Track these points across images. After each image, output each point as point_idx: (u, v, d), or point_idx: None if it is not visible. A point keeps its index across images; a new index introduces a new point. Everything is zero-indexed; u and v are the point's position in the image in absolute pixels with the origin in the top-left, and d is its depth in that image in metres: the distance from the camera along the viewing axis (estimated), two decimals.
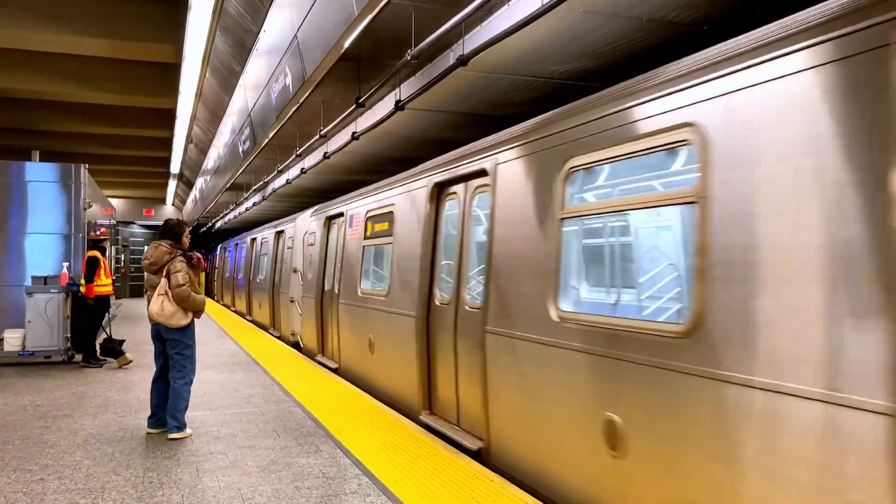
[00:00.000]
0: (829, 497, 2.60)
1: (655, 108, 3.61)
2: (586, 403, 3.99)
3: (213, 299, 27.23)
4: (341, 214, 9.76)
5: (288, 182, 14.80)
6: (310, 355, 10.68)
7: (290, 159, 12.91)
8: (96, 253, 10.04)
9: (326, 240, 10.52)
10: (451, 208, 6.39)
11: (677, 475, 3.30)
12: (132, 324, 15.52)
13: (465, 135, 9.45)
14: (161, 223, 6.47)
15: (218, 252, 28.25)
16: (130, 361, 9.72)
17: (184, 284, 5.74)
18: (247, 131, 11.95)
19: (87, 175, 11.99)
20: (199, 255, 6.18)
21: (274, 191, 16.73)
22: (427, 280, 6.44)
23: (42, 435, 5.85)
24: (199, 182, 23.18)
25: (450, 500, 4.24)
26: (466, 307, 5.72)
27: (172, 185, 27.14)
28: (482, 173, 5.58)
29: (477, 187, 5.76)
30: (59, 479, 4.65)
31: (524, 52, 6.31)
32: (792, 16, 3.02)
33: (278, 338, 13.56)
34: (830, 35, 2.73)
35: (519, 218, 4.86)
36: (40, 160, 12.14)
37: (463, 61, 6.00)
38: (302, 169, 13.22)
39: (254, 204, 19.85)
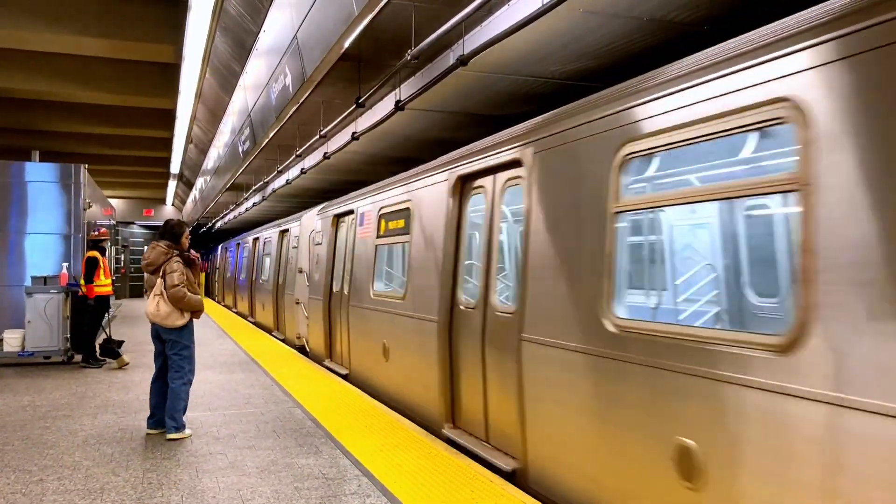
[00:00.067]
0: None
1: (737, 82, 3.11)
2: (652, 425, 3.45)
3: (214, 300, 27.16)
4: (351, 212, 9.25)
5: (288, 182, 14.79)
6: (317, 360, 10.29)
7: (290, 159, 12.91)
8: (95, 253, 10.03)
9: (335, 239, 10.03)
10: (476, 203, 5.91)
11: None
12: (132, 324, 15.51)
13: (465, 135, 9.43)
14: (160, 223, 6.46)
15: (219, 252, 28.13)
16: (127, 364, 9.70)
17: (178, 285, 5.73)
18: (247, 131, 11.94)
19: (86, 175, 11.98)
20: (195, 254, 6.15)
21: (274, 191, 16.73)
22: (450, 282, 5.92)
23: (41, 435, 5.84)
24: (199, 182, 23.17)
25: (450, 500, 4.23)
26: (496, 312, 5.20)
27: (172, 185, 27.14)
28: (515, 164, 5.06)
29: (508, 179, 5.24)
30: (59, 480, 4.65)
31: (524, 52, 6.31)
32: None
33: (282, 341, 13.20)
34: None
35: (561, 213, 4.35)
36: (40, 160, 12.14)
37: (463, 61, 5.99)
38: (302, 169, 13.22)
39: (254, 204, 19.84)
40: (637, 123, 3.72)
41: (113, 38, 10.77)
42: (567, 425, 4.17)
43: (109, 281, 10.43)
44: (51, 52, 11.96)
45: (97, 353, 9.96)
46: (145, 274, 6.08)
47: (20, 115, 15.39)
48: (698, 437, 3.16)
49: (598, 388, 3.89)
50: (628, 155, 3.78)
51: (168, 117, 15.47)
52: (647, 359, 3.50)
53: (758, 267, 5.40)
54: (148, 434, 5.87)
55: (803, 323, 2.69)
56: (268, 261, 16.05)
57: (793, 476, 2.69)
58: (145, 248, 6.15)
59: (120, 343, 9.95)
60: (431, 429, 6.03)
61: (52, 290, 9.99)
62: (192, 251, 6.14)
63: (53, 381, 8.58)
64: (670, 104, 3.50)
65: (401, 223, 7.27)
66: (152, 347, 6.16)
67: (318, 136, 10.15)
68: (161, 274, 5.84)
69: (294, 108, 8.97)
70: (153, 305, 5.81)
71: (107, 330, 10.29)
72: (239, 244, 21.52)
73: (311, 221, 11.86)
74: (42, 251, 11.43)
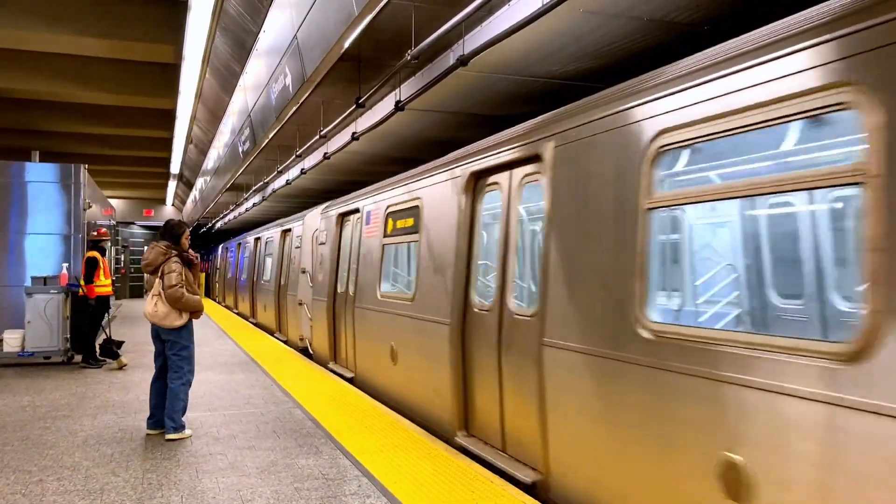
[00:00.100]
0: None
1: (789, 66, 2.85)
2: (693, 439, 3.19)
3: (215, 301, 27.09)
4: (357, 211, 8.99)
5: (288, 182, 14.78)
6: (321, 362, 10.08)
7: (290, 160, 12.90)
8: (95, 253, 10.03)
9: (339, 238, 9.81)
10: (491, 201, 5.66)
11: None
12: (132, 324, 15.51)
13: (465, 135, 9.43)
14: (160, 224, 6.46)
15: (219, 252, 28.04)
16: (125, 365, 9.67)
17: (176, 285, 5.72)
18: (247, 132, 11.93)
19: (86, 175, 11.98)
20: (193, 254, 6.13)
21: (274, 191, 16.72)
22: (462, 283, 5.66)
23: (41, 436, 5.83)
24: (199, 182, 23.16)
25: (450, 501, 4.23)
26: (514, 315, 4.94)
27: (172, 185, 27.13)
28: (533, 159, 4.79)
29: (526, 175, 4.97)
30: (59, 481, 4.64)
31: (524, 53, 6.30)
32: None
33: (285, 342, 13.02)
34: None
35: (586, 210, 4.05)
36: (40, 160, 12.13)
37: (463, 61, 5.99)
38: (302, 169, 13.21)
39: (254, 204, 19.84)
40: (674, 113, 3.43)
41: (113, 39, 10.76)
42: (595, 437, 3.88)
43: (109, 281, 10.42)
44: (51, 52, 11.96)
45: (97, 354, 9.95)
46: (145, 274, 6.07)
47: (20, 115, 15.38)
48: (747, 453, 2.90)
49: (629, 397, 3.61)
50: (663, 147, 3.49)
51: (168, 117, 15.46)
52: (689, 367, 3.22)
53: (811, 267, 4.97)
54: (148, 434, 5.87)
55: (872, 329, 2.46)
56: (269, 261, 15.83)
57: (856, 498, 2.45)
58: (145, 248, 6.15)
59: (120, 344, 9.95)
60: (442, 436, 5.80)
61: (51, 291, 9.98)
62: (191, 251, 6.13)
63: (53, 382, 8.57)
64: (713, 90, 3.23)
65: (409, 222, 6.99)
66: (152, 348, 6.15)
67: (318, 137, 10.14)
68: (159, 274, 5.84)
69: (294, 109, 8.96)
70: (151, 305, 5.82)
71: (106, 330, 10.29)
72: (240, 244, 21.34)
73: (315, 221, 11.65)
74: (42, 251, 11.42)
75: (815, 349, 2.67)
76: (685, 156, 4.03)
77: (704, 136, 3.27)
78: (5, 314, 10.84)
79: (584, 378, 4.00)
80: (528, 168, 4.92)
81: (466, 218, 5.74)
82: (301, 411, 6.77)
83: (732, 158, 4.43)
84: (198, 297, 5.97)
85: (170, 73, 12.62)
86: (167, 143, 18.46)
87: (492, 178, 5.51)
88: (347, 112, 8.58)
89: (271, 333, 14.66)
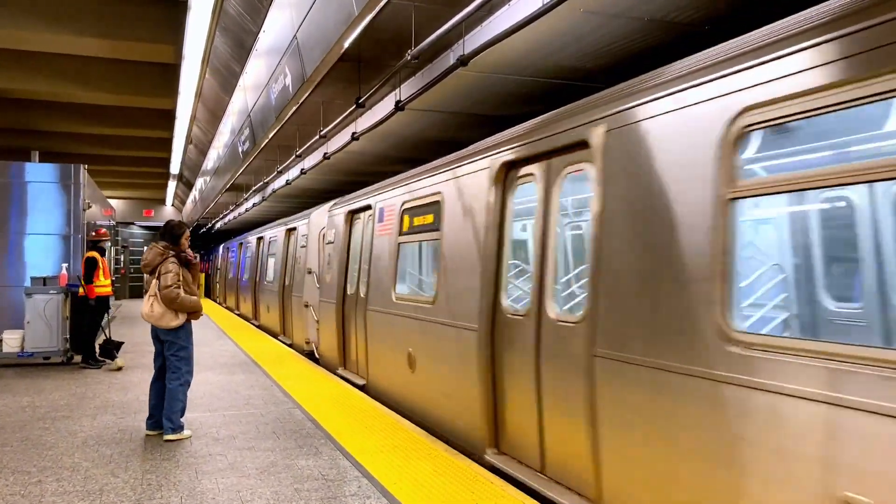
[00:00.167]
0: None
1: None
2: (804, 472, 2.67)
3: (216, 302, 26.99)
4: (368, 207, 8.45)
5: (288, 183, 14.78)
6: (329, 368, 9.61)
7: (290, 160, 12.90)
8: (95, 254, 10.02)
9: (349, 237, 9.27)
10: (524, 194, 5.16)
11: None
12: (132, 324, 15.49)
13: (465, 135, 9.43)
14: (160, 224, 6.46)
15: (220, 252, 27.91)
16: (121, 367, 9.63)
17: (171, 285, 5.71)
18: (246, 132, 11.93)
19: (86, 176, 11.98)
20: (192, 254, 6.12)
21: (274, 191, 16.72)
22: (491, 284, 5.15)
23: (41, 436, 5.83)
24: (199, 183, 23.16)
25: (450, 501, 4.22)
26: (555, 321, 4.40)
27: (172, 185, 27.12)
28: (578, 146, 4.25)
29: (568, 165, 4.43)
30: (58, 482, 4.63)
31: (525, 53, 6.30)
32: None
33: (289, 345, 12.50)
34: None
35: (647, 202, 3.56)
36: (39, 161, 12.13)
37: (463, 61, 5.98)
38: (302, 169, 13.21)
39: (253, 205, 19.84)
40: (759, 88, 2.95)
41: (113, 39, 10.76)
42: (663, 465, 3.36)
43: (109, 281, 10.41)
44: (50, 52, 11.95)
45: (97, 354, 9.95)
46: (145, 275, 6.08)
47: (20, 115, 15.38)
48: (879, 496, 2.38)
49: (710, 421, 3.07)
50: (748, 127, 3.01)
51: (168, 117, 15.45)
52: (793, 387, 2.70)
53: None
54: (147, 435, 5.86)
55: None
56: (273, 261, 15.36)
57: None
58: (145, 248, 6.14)
59: (119, 345, 9.93)
60: (467, 450, 5.36)
61: (51, 291, 9.98)
62: (190, 252, 6.11)
63: (53, 382, 8.56)
64: (818, 57, 2.73)
65: (429, 219, 6.46)
66: (152, 348, 6.15)
67: (318, 137, 10.14)
68: (156, 275, 5.84)
69: (294, 109, 8.96)
70: (147, 306, 5.82)
71: (106, 331, 10.28)
72: (241, 244, 21.03)
73: (322, 218, 11.21)
74: (42, 252, 11.42)
75: None
76: (780, 136, 3.49)
77: (801, 112, 2.78)
78: (5, 314, 10.84)
79: (648, 397, 3.46)
80: (572, 156, 4.37)
81: (496, 213, 5.19)
82: (301, 412, 6.76)
83: (840, 139, 3.81)
84: (195, 297, 5.95)
85: (170, 73, 12.61)
86: (167, 144, 18.45)
87: (526, 169, 4.93)
88: (347, 112, 8.58)
89: (275, 336, 14.22)
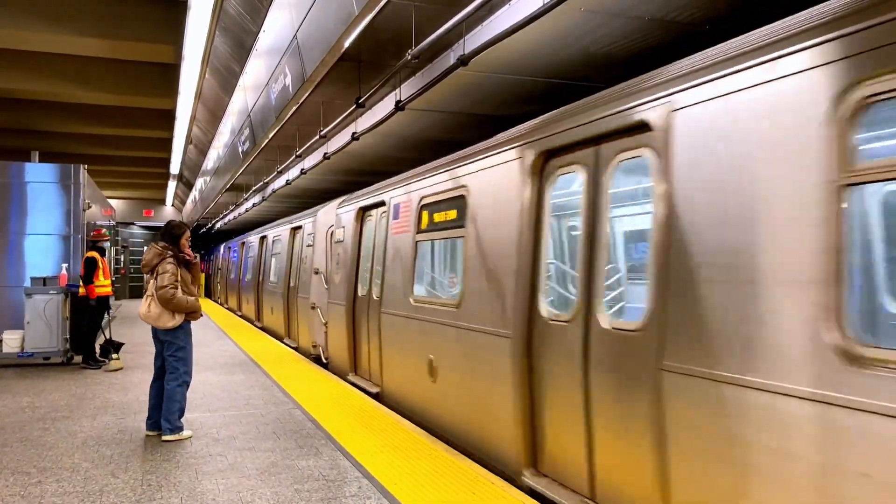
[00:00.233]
0: None
1: None
2: None
3: (217, 303, 26.89)
4: (382, 203, 7.97)
5: (288, 183, 14.78)
6: (338, 373, 9.14)
7: (290, 160, 12.89)
8: (94, 254, 10.02)
9: (360, 235, 8.80)
10: (566, 185, 4.71)
11: None
12: (132, 325, 15.49)
13: (466, 135, 9.42)
14: (160, 224, 6.45)
15: (222, 252, 27.75)
16: (119, 368, 9.59)
17: (167, 286, 5.70)
18: (246, 132, 11.92)
19: (86, 176, 11.97)
20: (191, 254, 6.09)
21: (274, 191, 16.72)
22: (527, 286, 4.66)
23: (40, 437, 5.82)
24: (199, 183, 23.15)
25: (451, 502, 4.21)
26: (607, 327, 3.91)
27: (172, 185, 27.12)
28: (635, 129, 3.77)
29: (622, 151, 3.92)
30: (58, 482, 4.62)
31: (525, 52, 6.29)
32: None
33: (295, 349, 12.06)
34: None
35: (728, 190, 3.06)
36: (39, 161, 12.12)
37: (463, 61, 5.97)
38: (302, 170, 13.20)
39: (253, 205, 19.83)
40: (891, 48, 2.46)
41: (113, 39, 10.76)
42: (749, 499, 2.88)
43: (109, 282, 10.41)
44: (50, 52, 11.95)
45: (97, 354, 9.94)
46: (145, 275, 6.08)
47: (20, 115, 15.38)
48: None
49: (817, 451, 2.61)
50: (870, 98, 2.54)
51: (168, 118, 15.45)
52: None
53: None
54: (147, 435, 5.85)
55: None
56: (277, 261, 14.91)
57: None
58: (145, 248, 6.13)
59: (119, 345, 9.92)
60: (498, 470, 4.90)
61: (51, 291, 9.97)
62: (189, 252, 6.09)
63: (53, 383, 8.56)
64: None
65: (451, 214, 6.00)
66: (151, 348, 6.14)
67: (318, 137, 10.13)
68: (154, 275, 5.84)
69: (294, 109, 8.95)
70: (145, 306, 5.83)
71: (105, 332, 10.26)
72: (243, 243, 20.71)
73: (329, 216, 10.75)
74: (41, 252, 11.41)
75: None
76: None
77: None
78: (5, 315, 10.84)
79: (736, 421, 2.94)
80: (626, 141, 3.88)
81: (532, 207, 4.69)
82: (301, 412, 6.75)
83: None
84: (193, 298, 5.92)
85: (169, 74, 12.61)
86: (167, 144, 18.45)
87: (568, 158, 4.42)
88: (347, 112, 8.57)
89: (280, 339, 13.71)
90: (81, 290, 9.97)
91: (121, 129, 16.82)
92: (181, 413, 5.83)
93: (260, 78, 9.94)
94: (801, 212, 2.75)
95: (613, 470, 3.83)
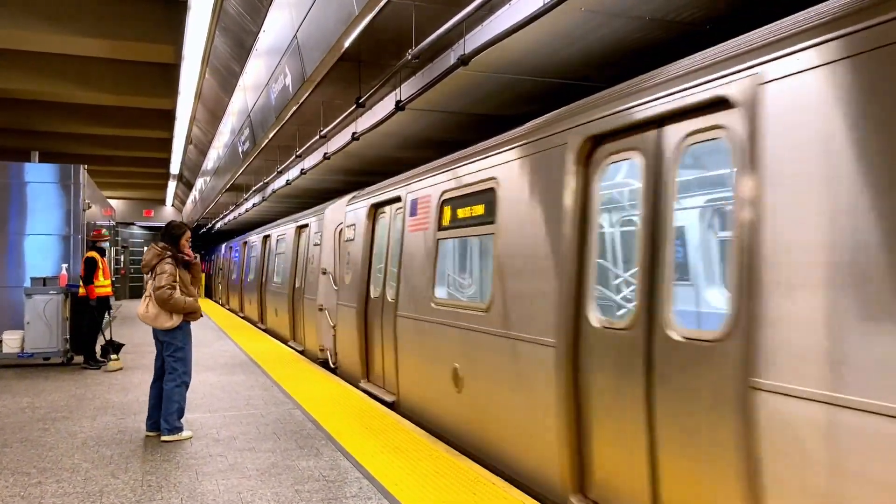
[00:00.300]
0: None
1: None
2: None
3: (218, 303, 26.77)
4: (397, 199, 7.50)
5: (288, 183, 14.78)
6: (349, 379, 8.69)
7: (290, 160, 12.89)
8: (94, 254, 10.02)
9: (372, 233, 8.36)
10: (618, 175, 4.32)
11: None
12: (132, 325, 15.48)
13: (466, 135, 9.42)
14: (160, 224, 6.45)
15: (223, 252, 27.62)
16: (119, 369, 9.57)
17: (164, 286, 5.69)
18: (246, 132, 11.92)
19: (86, 176, 11.97)
20: (191, 255, 6.07)
21: (274, 191, 16.72)
22: (572, 289, 4.16)
23: (40, 437, 5.81)
24: (199, 183, 23.16)
25: (452, 502, 4.20)
26: (675, 336, 3.39)
27: (172, 186, 27.12)
28: (710, 107, 3.28)
29: (692, 133, 3.41)
30: (58, 483, 4.62)
31: (525, 52, 6.29)
32: None
33: (301, 352, 11.62)
34: None
35: (840, 174, 2.59)
36: (39, 161, 12.12)
37: (464, 61, 5.97)
38: (302, 170, 13.20)
39: (253, 205, 19.83)
40: None
41: (112, 39, 10.75)
42: None
43: (109, 282, 10.40)
44: (50, 52, 11.95)
45: (98, 355, 9.94)
46: (145, 275, 6.08)
47: (19, 115, 15.38)
48: None
49: None
50: None
51: (167, 118, 15.45)
52: None
53: None
54: (147, 436, 5.85)
55: None
56: (281, 261, 14.45)
57: None
58: (145, 248, 6.13)
59: (119, 346, 9.91)
60: (537, 492, 4.47)
61: (51, 292, 9.97)
62: (190, 252, 6.07)
63: (52, 383, 8.55)
64: None
65: (478, 210, 5.53)
66: (152, 349, 6.14)
67: (318, 137, 10.13)
68: (153, 275, 5.84)
69: (294, 109, 8.95)
70: (143, 307, 5.83)
71: (105, 333, 10.24)
72: (245, 242, 20.40)
73: (338, 214, 10.28)
74: (41, 252, 11.41)
75: None
76: None
77: None
78: (5, 315, 10.83)
79: (857, 453, 2.45)
80: (698, 121, 3.38)
81: (577, 200, 4.19)
82: (301, 412, 6.74)
83: None
84: (192, 298, 5.90)
85: (169, 74, 12.60)
86: (167, 144, 18.45)
87: (623, 143, 3.92)
88: (347, 112, 8.57)
89: (284, 341, 13.23)
90: (81, 291, 9.96)
91: (121, 129, 16.82)
92: (180, 414, 5.83)
93: (260, 78, 9.94)
94: None
95: (684, 497, 3.33)
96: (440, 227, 6.22)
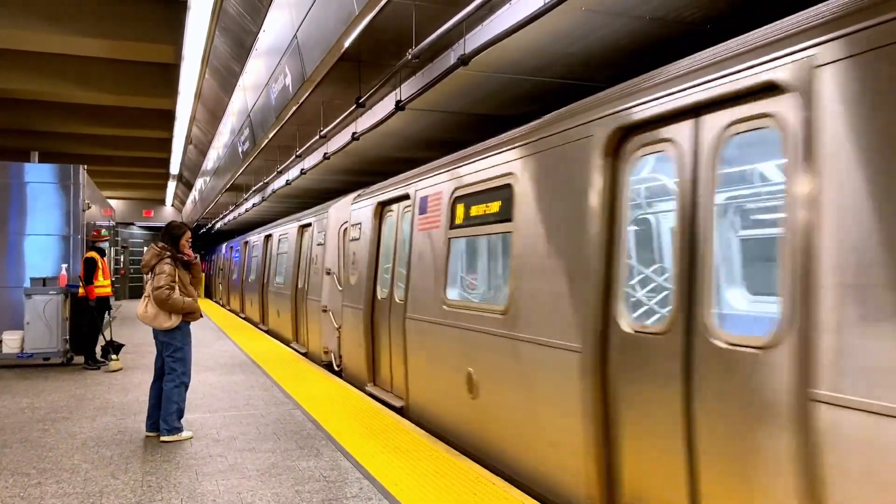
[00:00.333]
0: None
1: None
2: None
3: (218, 304, 26.70)
4: (405, 197, 7.27)
5: (288, 183, 14.77)
6: (354, 382, 8.49)
7: (290, 160, 12.89)
8: (94, 254, 10.02)
9: (379, 233, 8.13)
10: (650, 167, 4.07)
11: None
12: (132, 325, 15.47)
13: (466, 135, 9.41)
14: (160, 224, 6.45)
15: (224, 251, 27.54)
16: (119, 369, 9.56)
17: (162, 286, 5.69)
18: (246, 132, 11.91)
19: (85, 176, 11.96)
20: (191, 255, 6.06)
21: (274, 192, 16.71)
22: (600, 290, 3.90)
23: (40, 438, 5.81)
24: (199, 183, 23.16)
25: (453, 502, 4.20)
26: (720, 342, 3.11)
27: (172, 186, 27.11)
28: (759, 92, 3.01)
29: (737, 122, 3.13)
30: (57, 483, 4.61)
31: (526, 52, 6.28)
32: None
33: (304, 354, 11.38)
34: None
35: None
36: (39, 161, 12.11)
37: (464, 61, 5.96)
38: (302, 170, 13.19)
39: (253, 205, 19.82)
40: None
41: (112, 39, 10.75)
42: None
43: (108, 282, 10.40)
44: (50, 52, 11.94)
45: (98, 356, 9.93)
46: (144, 275, 6.08)
47: (19, 115, 15.37)
48: None
49: None
50: None
51: (167, 118, 15.44)
52: None
53: None
54: (147, 436, 5.84)
55: None
56: (284, 261, 14.19)
57: None
58: (145, 248, 6.12)
59: (119, 347, 9.90)
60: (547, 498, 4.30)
61: (51, 292, 9.97)
62: (189, 252, 6.06)
63: (52, 383, 8.54)
64: None
65: (494, 207, 5.27)
66: (152, 349, 6.14)
67: (317, 137, 10.12)
68: (152, 275, 5.84)
69: (294, 109, 8.94)
70: (142, 307, 5.83)
71: (105, 334, 10.23)
72: (246, 242, 20.20)
73: (343, 212, 10.02)
74: (41, 252, 11.40)
75: None
76: None
77: None
78: (4, 315, 10.82)
79: None
80: (741, 109, 3.12)
81: (605, 195, 3.93)
82: (301, 413, 6.74)
83: None
84: (191, 299, 5.88)
85: (169, 74, 12.60)
86: (166, 144, 18.44)
87: (656, 134, 3.67)
88: (347, 112, 8.56)
89: (287, 343, 12.96)
90: (81, 291, 9.95)
91: (120, 129, 16.82)
92: (179, 414, 5.82)
93: (260, 78, 9.93)
94: None
95: None
96: (452, 226, 5.98)
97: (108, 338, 10.04)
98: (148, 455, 5.29)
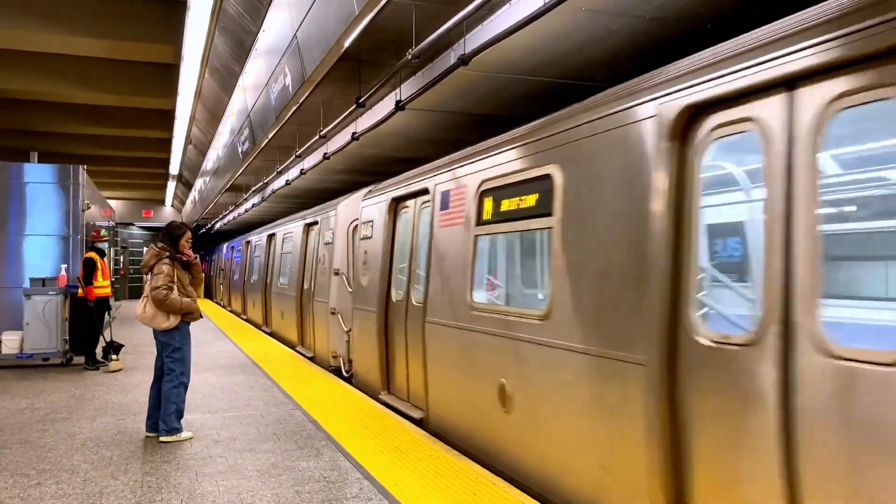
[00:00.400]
0: None
1: None
2: None
3: (219, 304, 26.63)
4: (423, 192, 6.74)
5: (288, 183, 14.76)
6: (366, 390, 7.98)
7: (290, 160, 12.88)
8: (93, 255, 10.01)
9: (393, 230, 7.61)
10: (729, 152, 3.72)
11: None
12: (132, 326, 15.46)
13: (466, 135, 9.41)
14: (159, 225, 6.44)
15: (224, 251, 27.45)
16: (119, 370, 9.55)
17: (160, 286, 5.69)
18: (246, 132, 11.91)
19: (85, 176, 11.94)
20: (191, 255, 6.04)
21: (273, 192, 16.71)
22: (667, 295, 3.38)
23: (39, 439, 5.80)
24: (199, 183, 23.15)
25: (453, 503, 4.20)
26: (831, 356, 2.61)
27: (171, 186, 27.11)
28: (871, 59, 2.51)
29: (842, 96, 2.63)
30: (57, 484, 4.60)
31: (526, 52, 6.28)
32: None
33: (311, 358, 10.94)
34: None
35: None
36: (38, 161, 12.10)
37: (464, 61, 5.96)
38: (302, 170, 13.19)
39: (253, 205, 19.81)
40: None
41: (112, 39, 10.74)
42: None
43: (108, 282, 10.39)
44: (50, 52, 11.93)
45: (98, 356, 9.92)
46: (144, 275, 6.08)
47: (18, 115, 15.36)
48: None
49: None
50: None
51: (167, 118, 15.43)
52: None
53: None
54: (147, 437, 5.83)
55: None
56: (288, 260, 13.67)
57: None
58: (144, 249, 6.12)
59: (119, 347, 9.89)
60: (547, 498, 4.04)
61: (50, 292, 9.96)
62: (189, 252, 6.05)
63: (52, 384, 8.54)
64: None
65: (529, 200, 4.73)
66: (151, 349, 6.13)
67: (317, 137, 10.12)
68: (151, 276, 5.84)
69: (294, 109, 8.94)
70: (141, 307, 5.83)
71: (104, 334, 10.22)
72: (248, 242, 19.87)
73: (352, 210, 9.54)
74: (41, 252, 11.38)
75: None
76: None
77: None
78: (4, 315, 10.80)
79: None
80: (850, 79, 2.60)
81: (670, 187, 3.41)
82: (301, 413, 6.73)
83: None
84: (189, 299, 5.87)
85: (169, 74, 12.59)
86: (166, 144, 18.43)
87: (736, 112, 3.12)
88: (347, 112, 8.56)
89: (292, 347, 12.51)
90: (80, 291, 9.95)
91: (120, 129, 16.81)
92: (179, 415, 5.81)
93: (260, 78, 9.92)
94: None
95: None
96: (479, 222, 5.44)
97: (108, 338, 10.03)
98: (148, 456, 5.29)
